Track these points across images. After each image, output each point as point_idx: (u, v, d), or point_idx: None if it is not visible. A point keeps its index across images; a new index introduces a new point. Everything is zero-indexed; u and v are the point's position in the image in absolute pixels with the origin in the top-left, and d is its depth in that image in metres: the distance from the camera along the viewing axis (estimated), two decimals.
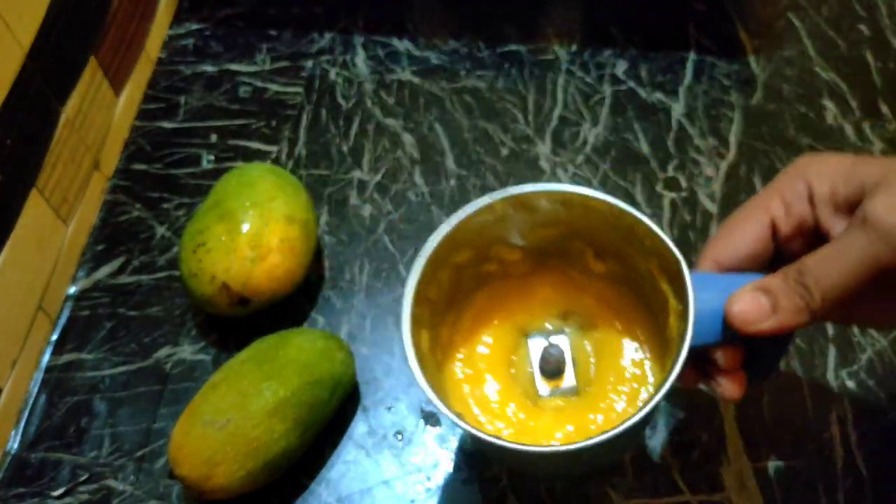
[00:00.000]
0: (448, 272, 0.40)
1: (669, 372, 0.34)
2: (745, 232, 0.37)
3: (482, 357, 0.42)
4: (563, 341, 0.42)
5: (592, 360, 0.42)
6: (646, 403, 0.33)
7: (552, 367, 0.41)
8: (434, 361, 0.40)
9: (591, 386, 0.41)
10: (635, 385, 0.41)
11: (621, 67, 0.65)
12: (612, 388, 0.41)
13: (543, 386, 0.41)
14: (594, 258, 0.42)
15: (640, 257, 0.39)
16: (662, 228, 0.37)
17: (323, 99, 0.63)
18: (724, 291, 0.35)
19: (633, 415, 0.33)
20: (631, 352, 0.42)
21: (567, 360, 0.41)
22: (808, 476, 0.46)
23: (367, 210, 0.57)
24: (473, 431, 0.34)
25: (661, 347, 0.40)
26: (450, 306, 0.41)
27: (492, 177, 0.59)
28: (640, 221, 0.37)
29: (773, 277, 0.34)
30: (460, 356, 0.42)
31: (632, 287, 0.41)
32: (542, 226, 0.41)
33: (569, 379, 0.41)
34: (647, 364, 0.41)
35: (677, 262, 0.35)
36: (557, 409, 0.41)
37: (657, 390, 0.34)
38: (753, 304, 0.34)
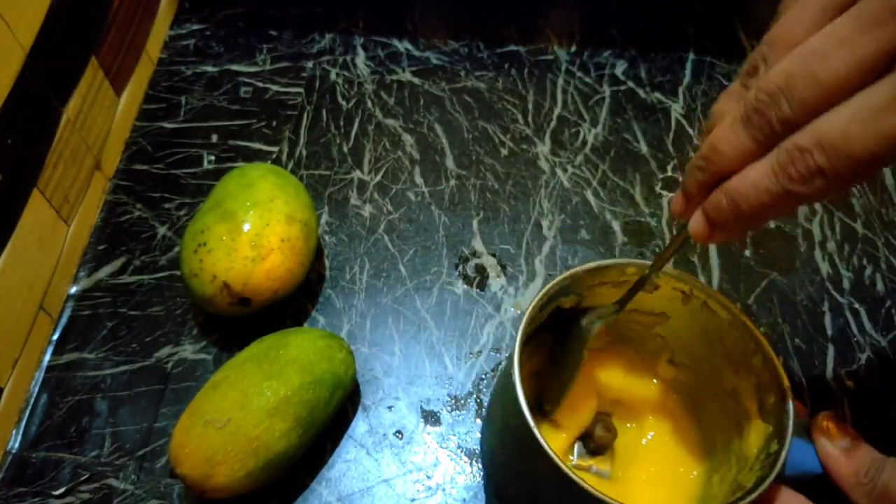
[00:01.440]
0: (552, 306, 0.39)
1: (751, 490, 0.34)
2: None
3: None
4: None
5: (632, 452, 0.42)
6: None
7: (599, 443, 0.41)
8: None
9: (622, 477, 0.41)
10: (672, 494, 0.40)
11: (620, 68, 0.65)
12: (644, 488, 0.40)
13: (581, 454, 0.41)
14: (667, 362, 0.42)
15: (731, 372, 0.39)
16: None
17: (323, 99, 0.63)
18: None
19: None
20: (676, 462, 0.41)
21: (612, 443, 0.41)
22: None
23: (367, 210, 0.57)
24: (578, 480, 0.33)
25: (712, 463, 0.40)
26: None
27: (492, 177, 0.59)
28: (761, 343, 0.37)
29: None
30: None
31: (692, 399, 0.42)
32: (642, 310, 0.40)
33: (605, 463, 0.41)
34: (694, 474, 0.40)
35: (785, 390, 0.36)
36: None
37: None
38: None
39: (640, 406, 0.42)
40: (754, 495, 0.33)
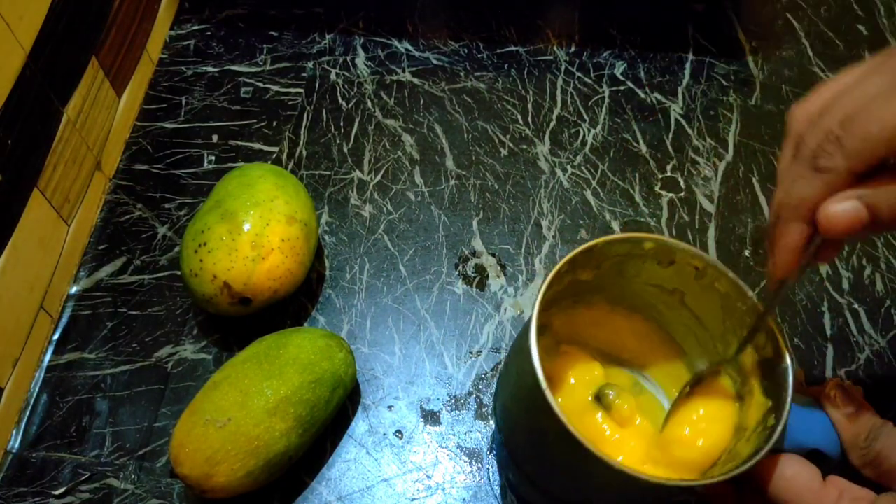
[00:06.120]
0: (569, 278, 0.40)
1: (747, 460, 0.34)
2: None
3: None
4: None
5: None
6: (722, 474, 0.34)
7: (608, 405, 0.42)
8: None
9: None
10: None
11: (620, 68, 0.65)
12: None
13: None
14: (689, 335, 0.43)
15: (736, 346, 0.40)
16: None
17: (323, 99, 0.63)
18: (807, 419, 0.37)
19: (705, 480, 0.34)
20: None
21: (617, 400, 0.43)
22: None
23: (367, 210, 0.57)
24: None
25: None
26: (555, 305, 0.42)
27: (491, 177, 0.59)
28: (766, 317, 0.38)
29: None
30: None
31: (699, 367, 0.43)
32: (655, 284, 0.42)
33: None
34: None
35: (786, 368, 0.36)
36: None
37: (731, 471, 0.34)
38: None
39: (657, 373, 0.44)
40: (749, 464, 0.34)
